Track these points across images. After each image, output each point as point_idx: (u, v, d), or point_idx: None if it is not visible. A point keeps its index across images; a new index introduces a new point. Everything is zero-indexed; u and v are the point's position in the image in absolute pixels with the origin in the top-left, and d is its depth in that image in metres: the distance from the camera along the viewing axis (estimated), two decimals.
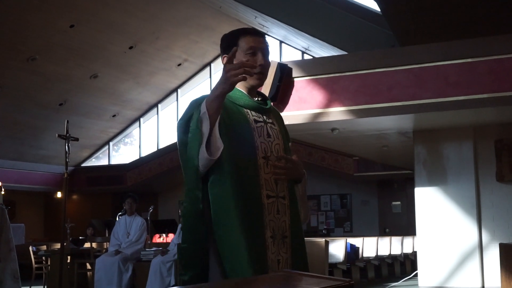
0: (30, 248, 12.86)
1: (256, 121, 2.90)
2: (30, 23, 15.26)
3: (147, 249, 10.54)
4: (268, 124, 2.93)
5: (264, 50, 2.94)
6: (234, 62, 2.85)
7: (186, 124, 2.76)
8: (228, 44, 2.95)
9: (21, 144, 19.30)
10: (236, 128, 2.80)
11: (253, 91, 2.99)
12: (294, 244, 2.86)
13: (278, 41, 19.64)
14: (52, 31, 15.83)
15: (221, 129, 2.71)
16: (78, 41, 16.51)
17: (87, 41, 16.68)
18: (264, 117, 2.95)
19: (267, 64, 2.95)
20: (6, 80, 16.67)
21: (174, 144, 21.56)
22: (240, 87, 2.94)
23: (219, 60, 21.06)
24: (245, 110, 2.90)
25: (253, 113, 2.91)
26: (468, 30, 10.77)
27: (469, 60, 8.19)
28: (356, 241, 12.84)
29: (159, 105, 21.77)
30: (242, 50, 2.91)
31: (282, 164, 2.83)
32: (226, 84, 2.63)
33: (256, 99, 2.99)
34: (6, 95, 17.15)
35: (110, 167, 22.11)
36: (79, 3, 15.39)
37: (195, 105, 2.80)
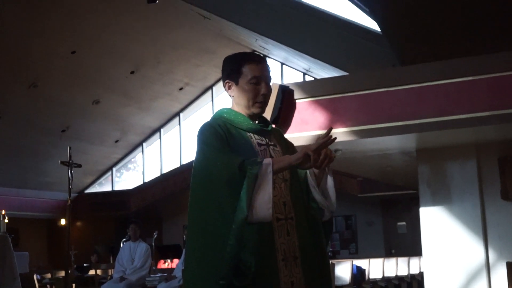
0: (35, 276, 12.77)
1: (259, 144, 2.93)
2: (31, 49, 15.34)
3: (152, 275, 10.48)
4: (271, 147, 2.96)
5: (267, 78, 2.96)
6: (241, 91, 2.93)
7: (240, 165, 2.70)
8: (232, 70, 2.98)
9: (24, 171, 19.30)
10: (240, 152, 2.80)
11: (255, 117, 3.01)
12: (304, 264, 2.84)
13: (279, 63, 19.70)
14: (54, 57, 15.90)
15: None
16: (80, 66, 16.58)
17: (88, 67, 16.75)
18: (267, 139, 2.98)
19: (269, 92, 2.98)
20: (8, 106, 16.72)
21: (177, 168, 21.47)
22: (242, 113, 2.98)
23: (221, 83, 21.12)
24: (248, 134, 2.93)
25: (256, 136, 2.94)
26: (468, 48, 10.78)
27: (470, 78, 8.19)
28: (362, 263, 12.76)
29: (162, 130, 21.79)
30: (246, 78, 2.93)
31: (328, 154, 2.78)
32: (301, 158, 2.69)
33: (257, 122, 3.01)
34: (9, 121, 17.19)
35: (113, 193, 22.09)
36: (80, 28, 15.47)
37: (215, 127, 2.84)
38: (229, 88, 2.99)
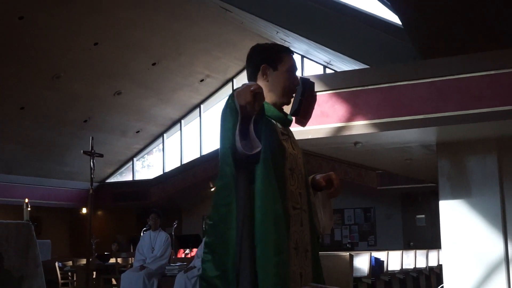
0: (56, 264, 12.97)
1: (282, 134, 2.92)
2: (54, 41, 15.47)
3: (171, 264, 10.59)
4: (291, 138, 2.97)
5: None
6: (278, 77, 2.93)
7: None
8: (272, 56, 2.95)
9: (46, 161, 19.51)
10: (268, 136, 2.78)
11: (278, 108, 3.01)
12: (314, 258, 2.88)
13: (300, 56, 19.68)
14: (76, 49, 16.03)
15: (259, 133, 2.70)
16: (102, 58, 16.70)
17: (110, 59, 16.87)
18: (287, 131, 2.99)
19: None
20: (31, 98, 16.90)
21: (197, 159, 21.58)
22: (268, 101, 2.95)
23: (242, 75, 21.19)
24: (273, 121, 2.92)
25: (279, 125, 2.94)
26: (489, 42, 10.73)
27: (492, 72, 8.17)
28: (380, 255, 12.77)
29: (182, 121, 21.89)
30: (285, 66, 2.94)
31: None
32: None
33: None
34: (31, 113, 17.38)
35: (134, 183, 22.24)
36: (102, 21, 15.58)
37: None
38: (264, 73, 2.95)
